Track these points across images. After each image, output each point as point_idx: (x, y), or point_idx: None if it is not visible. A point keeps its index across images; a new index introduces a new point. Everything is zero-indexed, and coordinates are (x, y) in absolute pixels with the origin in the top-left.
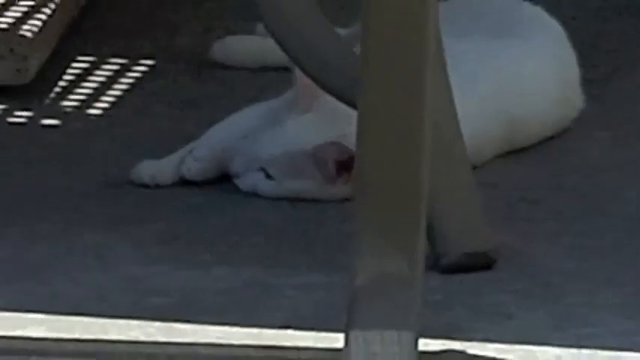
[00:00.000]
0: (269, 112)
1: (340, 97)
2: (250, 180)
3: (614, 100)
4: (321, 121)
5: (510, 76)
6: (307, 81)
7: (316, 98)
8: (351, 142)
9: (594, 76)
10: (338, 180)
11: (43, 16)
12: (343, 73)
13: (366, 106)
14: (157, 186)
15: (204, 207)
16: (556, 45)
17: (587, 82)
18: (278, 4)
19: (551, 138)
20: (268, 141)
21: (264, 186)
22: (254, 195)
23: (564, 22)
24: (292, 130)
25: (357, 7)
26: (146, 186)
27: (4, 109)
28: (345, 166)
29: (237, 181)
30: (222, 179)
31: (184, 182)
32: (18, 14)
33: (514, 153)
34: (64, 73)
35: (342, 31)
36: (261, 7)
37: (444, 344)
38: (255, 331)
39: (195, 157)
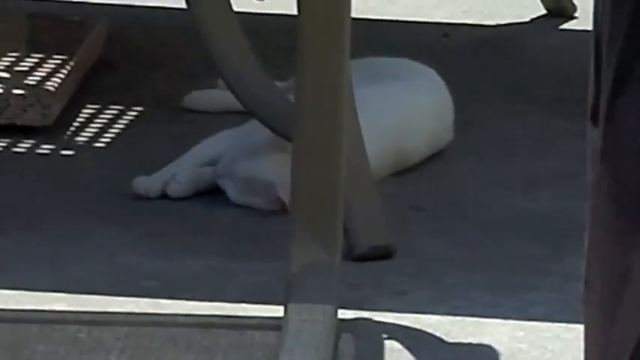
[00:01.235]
0: (238, 135)
1: (276, 131)
2: (225, 184)
3: (481, 131)
4: (287, 164)
5: (401, 115)
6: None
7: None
8: None
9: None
10: (278, 207)
11: (62, 75)
12: (280, 114)
13: (299, 137)
14: (148, 197)
15: (181, 213)
16: (435, 90)
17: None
18: (233, 67)
19: (431, 159)
20: (246, 166)
21: (232, 193)
22: (218, 204)
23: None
24: (264, 165)
25: (292, 66)
26: (140, 197)
27: (33, 144)
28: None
29: (217, 179)
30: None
31: (164, 197)
32: (44, 73)
33: (405, 171)
34: (78, 116)
35: (280, 84)
36: (221, 69)
37: (355, 314)
38: (218, 304)
39: (177, 181)
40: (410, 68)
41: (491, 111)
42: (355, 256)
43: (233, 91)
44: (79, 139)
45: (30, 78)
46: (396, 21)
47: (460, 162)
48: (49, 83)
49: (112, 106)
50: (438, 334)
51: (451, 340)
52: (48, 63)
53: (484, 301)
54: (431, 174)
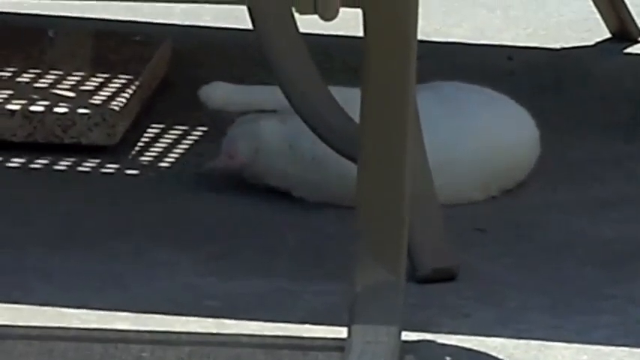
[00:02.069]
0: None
1: (342, 153)
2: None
3: (544, 154)
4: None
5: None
6: None
7: None
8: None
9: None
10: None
11: (127, 95)
12: (346, 136)
13: (364, 159)
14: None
15: (246, 234)
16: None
17: None
18: (299, 88)
19: None
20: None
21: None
22: (284, 225)
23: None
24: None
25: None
26: (203, 216)
27: (97, 163)
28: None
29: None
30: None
31: (229, 218)
32: (109, 92)
33: None
34: (142, 136)
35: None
36: (286, 90)
37: (419, 336)
38: (282, 325)
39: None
40: (489, 97)
41: (555, 133)
42: (418, 278)
43: (298, 112)
44: (143, 158)
45: (95, 97)
46: (461, 43)
47: (523, 184)
48: (114, 103)
49: (176, 126)
50: (501, 356)
51: None
52: (113, 82)
53: (547, 324)
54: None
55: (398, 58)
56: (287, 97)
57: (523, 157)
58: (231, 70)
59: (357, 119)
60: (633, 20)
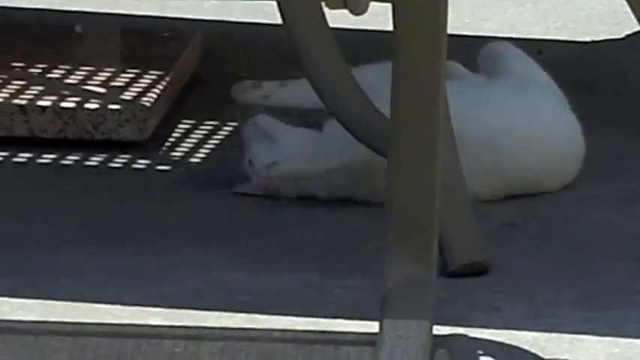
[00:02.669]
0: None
1: (372, 148)
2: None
3: None
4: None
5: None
6: None
7: None
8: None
9: None
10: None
11: (157, 91)
12: (376, 131)
13: (395, 154)
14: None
15: (276, 230)
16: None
17: None
18: (329, 83)
19: None
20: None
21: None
22: (313, 220)
23: None
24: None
25: None
26: (235, 209)
27: (128, 159)
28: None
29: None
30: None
31: (258, 214)
32: (139, 88)
33: None
34: (173, 131)
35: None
36: (316, 85)
37: (451, 330)
38: (313, 319)
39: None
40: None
41: (585, 127)
42: (449, 273)
43: (328, 108)
44: (174, 154)
45: (126, 93)
46: (491, 37)
47: None
48: (144, 99)
49: (207, 122)
50: (533, 350)
51: (547, 357)
52: (143, 78)
53: (579, 318)
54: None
55: (428, 53)
56: (316, 92)
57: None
58: (260, 66)
59: (386, 95)
60: None
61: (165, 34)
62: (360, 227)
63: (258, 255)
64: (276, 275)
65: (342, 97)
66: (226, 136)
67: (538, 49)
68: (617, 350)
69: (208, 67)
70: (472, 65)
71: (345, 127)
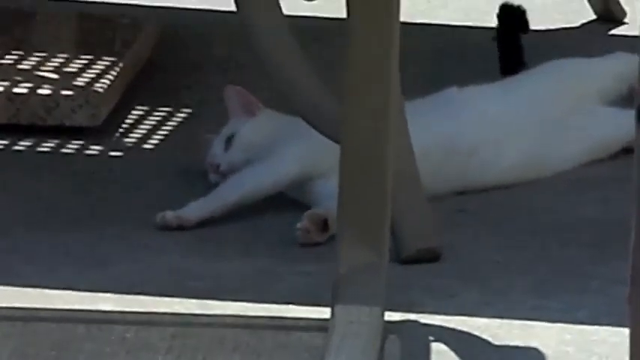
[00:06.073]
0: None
1: (325, 134)
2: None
3: None
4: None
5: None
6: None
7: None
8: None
9: None
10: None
11: (111, 77)
12: (329, 117)
13: (346, 139)
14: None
15: (228, 215)
16: None
17: None
18: (283, 69)
19: None
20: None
21: None
22: (265, 207)
23: None
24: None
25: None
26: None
27: (81, 145)
28: None
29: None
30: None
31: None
32: (93, 74)
33: None
34: (126, 117)
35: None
36: (270, 71)
37: (402, 316)
38: (265, 305)
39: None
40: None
41: None
42: (402, 259)
43: (283, 94)
44: (127, 140)
45: (79, 79)
46: (445, 25)
47: None
48: (98, 85)
49: (161, 108)
50: (485, 336)
51: (498, 343)
52: (97, 64)
53: (531, 304)
54: None
55: (381, 40)
56: (272, 78)
57: None
58: (215, 52)
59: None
60: (618, 2)
61: (121, 21)
62: None
63: (210, 241)
64: (228, 261)
65: (296, 84)
66: (180, 122)
67: (492, 36)
68: (568, 337)
69: (164, 53)
70: (426, 53)
71: (299, 114)
